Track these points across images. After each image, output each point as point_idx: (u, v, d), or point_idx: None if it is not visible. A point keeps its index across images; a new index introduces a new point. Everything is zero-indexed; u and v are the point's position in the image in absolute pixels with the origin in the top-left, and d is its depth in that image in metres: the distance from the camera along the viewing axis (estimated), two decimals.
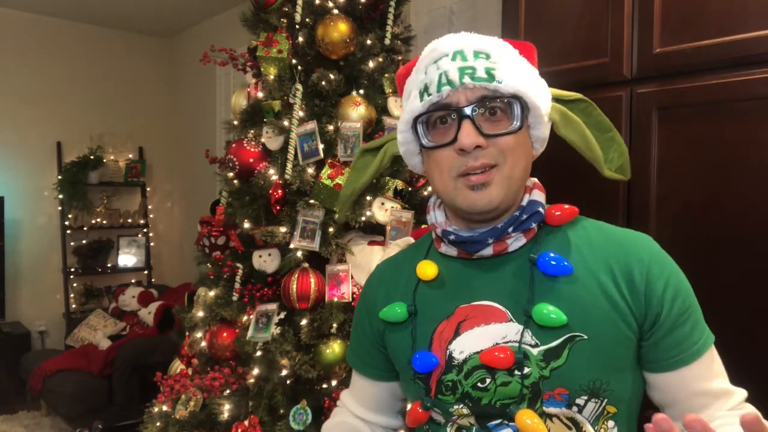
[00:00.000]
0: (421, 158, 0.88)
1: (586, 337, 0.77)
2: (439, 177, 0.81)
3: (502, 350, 0.78)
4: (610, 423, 0.80)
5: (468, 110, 0.77)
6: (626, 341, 0.78)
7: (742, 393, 0.81)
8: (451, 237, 0.84)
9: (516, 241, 0.82)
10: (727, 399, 0.79)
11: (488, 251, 0.82)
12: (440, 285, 0.88)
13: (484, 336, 0.81)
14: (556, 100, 0.87)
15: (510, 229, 0.81)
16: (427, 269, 0.88)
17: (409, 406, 0.91)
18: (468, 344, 0.82)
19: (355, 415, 1.02)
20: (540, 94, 0.81)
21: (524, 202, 0.83)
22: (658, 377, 0.80)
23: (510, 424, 0.79)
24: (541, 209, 0.83)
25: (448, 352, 0.83)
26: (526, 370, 0.78)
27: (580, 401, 0.77)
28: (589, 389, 0.77)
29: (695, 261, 1.40)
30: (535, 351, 0.78)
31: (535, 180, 0.88)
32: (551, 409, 0.78)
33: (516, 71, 0.79)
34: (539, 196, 0.85)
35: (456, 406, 0.83)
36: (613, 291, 0.77)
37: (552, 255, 0.80)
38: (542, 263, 0.80)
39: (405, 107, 0.85)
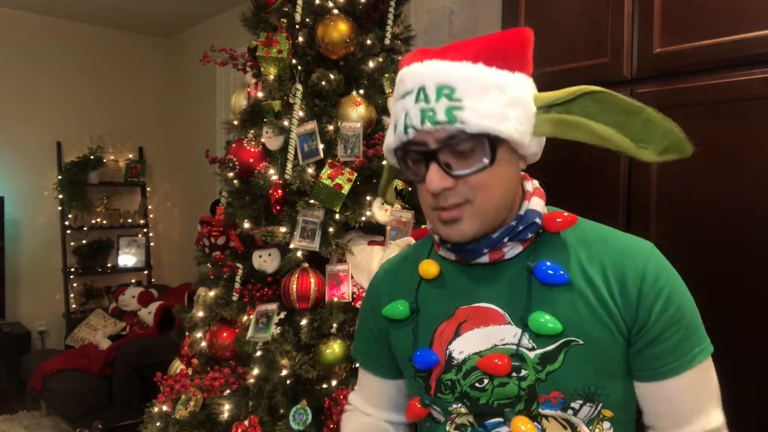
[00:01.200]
0: None
1: (581, 342, 0.77)
2: (423, 205, 0.83)
3: (500, 357, 0.78)
4: (606, 424, 0.80)
5: (435, 153, 0.75)
6: (619, 347, 0.78)
7: (717, 419, 0.79)
8: (448, 244, 0.84)
9: (512, 250, 0.82)
10: (702, 423, 0.77)
11: (484, 259, 0.83)
12: (442, 285, 0.89)
13: (483, 337, 0.81)
14: (552, 105, 0.79)
15: (506, 239, 0.81)
16: (430, 268, 0.89)
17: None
18: (467, 345, 0.82)
19: (366, 414, 1.03)
20: (515, 119, 0.75)
21: (522, 211, 0.82)
22: (639, 385, 0.80)
23: (507, 423, 0.80)
24: (538, 219, 0.82)
25: (448, 351, 0.84)
26: (523, 372, 0.78)
27: (575, 405, 0.78)
28: (584, 394, 0.77)
29: (695, 261, 1.40)
30: (531, 354, 0.78)
31: (536, 185, 0.87)
32: (547, 411, 0.79)
33: (483, 105, 0.73)
34: (538, 204, 0.83)
35: (455, 405, 0.84)
36: (606, 297, 0.77)
37: (548, 264, 0.79)
38: (539, 272, 0.79)
39: (387, 134, 0.84)
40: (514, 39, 0.79)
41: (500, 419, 0.81)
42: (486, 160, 0.75)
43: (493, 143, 0.74)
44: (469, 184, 0.76)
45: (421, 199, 0.82)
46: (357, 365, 1.06)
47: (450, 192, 0.76)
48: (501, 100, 0.75)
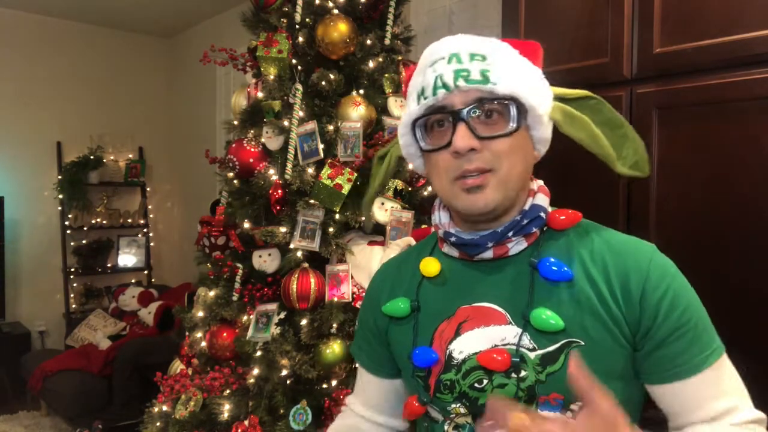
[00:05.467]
0: (423, 160, 0.88)
1: (582, 343, 0.77)
2: (438, 180, 0.82)
3: (500, 353, 0.78)
4: None
5: (463, 113, 0.76)
6: (621, 349, 0.77)
7: (751, 413, 0.77)
8: (453, 239, 0.84)
9: (517, 245, 0.82)
10: (728, 418, 0.76)
11: (489, 254, 0.83)
12: (442, 283, 0.89)
13: (483, 337, 0.81)
14: (561, 99, 0.85)
15: (510, 234, 0.81)
16: (430, 266, 0.89)
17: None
18: (467, 345, 0.82)
19: (359, 415, 1.02)
20: (538, 94, 0.80)
21: (527, 206, 0.83)
22: (652, 388, 0.80)
23: None
24: (543, 214, 0.82)
25: (448, 351, 0.84)
26: (523, 373, 0.78)
27: (574, 407, 0.77)
28: None
29: (695, 261, 1.40)
30: (532, 355, 0.78)
31: (541, 183, 0.88)
32: (546, 413, 0.78)
33: (512, 73, 0.78)
34: (543, 200, 0.84)
35: (453, 405, 0.84)
36: (609, 299, 0.77)
37: (552, 260, 0.80)
38: (543, 268, 0.80)
39: (405, 110, 0.85)
40: (531, 43, 0.85)
41: None
42: (513, 125, 0.77)
43: (519, 109, 0.78)
44: (493, 150, 0.77)
45: (440, 174, 0.81)
46: (357, 365, 1.05)
47: (475, 154, 0.76)
48: (527, 73, 0.81)
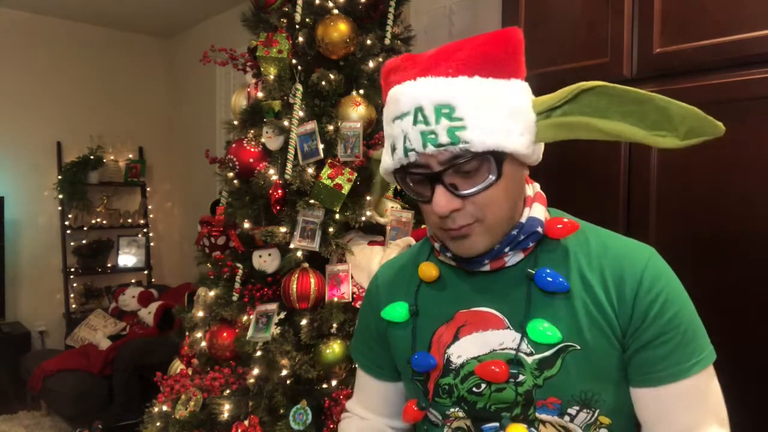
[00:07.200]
0: None
1: (578, 347, 0.77)
2: (426, 221, 0.83)
3: (498, 364, 0.78)
4: (603, 431, 0.80)
5: (440, 174, 0.72)
6: (615, 352, 0.77)
7: None
8: (449, 254, 0.83)
9: (514, 257, 0.81)
10: None
11: (486, 267, 0.82)
12: (441, 288, 0.88)
13: (481, 342, 0.81)
14: (551, 108, 0.76)
15: (507, 249, 0.80)
16: (429, 270, 0.88)
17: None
18: (466, 349, 0.82)
19: (362, 418, 1.02)
20: (517, 131, 0.73)
21: (523, 219, 0.80)
22: (634, 391, 0.79)
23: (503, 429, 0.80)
24: (540, 228, 0.80)
25: (446, 355, 0.83)
26: (521, 377, 0.78)
27: (571, 411, 0.78)
28: (580, 400, 0.77)
29: (695, 260, 1.40)
30: (530, 359, 0.78)
31: (537, 189, 0.85)
32: (543, 416, 0.79)
33: (486, 120, 0.71)
34: (539, 211, 0.82)
35: (452, 409, 0.84)
36: (604, 302, 0.77)
37: (548, 271, 0.79)
38: (539, 280, 0.79)
39: (383, 154, 0.81)
40: (506, 43, 0.75)
41: (497, 424, 0.81)
42: (492, 177, 0.73)
43: (498, 158, 0.72)
44: (476, 203, 0.74)
45: (426, 218, 0.81)
46: (356, 366, 1.05)
47: (458, 213, 0.74)
48: (502, 113, 0.72)
